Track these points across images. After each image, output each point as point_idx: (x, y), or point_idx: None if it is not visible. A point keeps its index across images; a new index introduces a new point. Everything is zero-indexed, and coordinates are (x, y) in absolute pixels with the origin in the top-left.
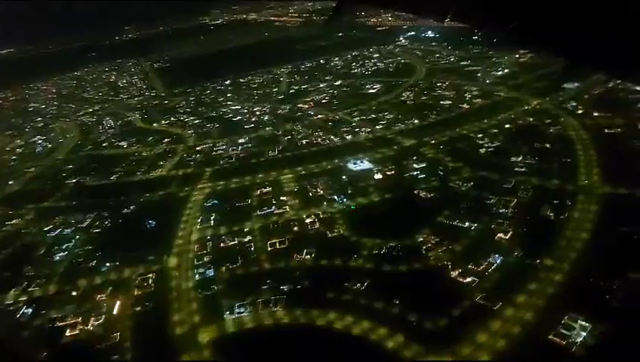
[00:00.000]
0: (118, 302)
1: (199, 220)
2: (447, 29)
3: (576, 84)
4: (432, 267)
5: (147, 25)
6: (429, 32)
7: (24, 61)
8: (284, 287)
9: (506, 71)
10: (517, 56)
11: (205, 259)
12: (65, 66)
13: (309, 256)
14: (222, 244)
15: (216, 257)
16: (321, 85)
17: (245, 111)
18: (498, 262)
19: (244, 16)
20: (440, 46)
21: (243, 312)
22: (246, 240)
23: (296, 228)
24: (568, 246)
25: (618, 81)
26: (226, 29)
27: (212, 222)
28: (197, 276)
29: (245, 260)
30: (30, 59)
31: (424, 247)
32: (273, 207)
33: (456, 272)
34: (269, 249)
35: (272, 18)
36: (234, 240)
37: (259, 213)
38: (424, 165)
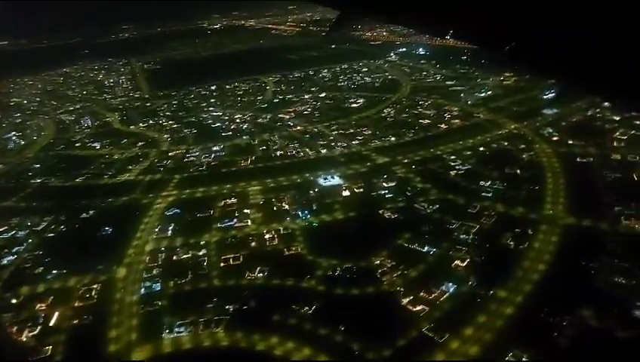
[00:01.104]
0: (56, 313)
1: (157, 229)
2: (438, 47)
3: (555, 110)
4: (384, 292)
5: (145, 25)
6: (420, 49)
7: (16, 54)
8: (230, 307)
9: (489, 93)
10: (501, 78)
11: (155, 271)
12: (55, 62)
13: (261, 274)
14: (175, 257)
15: (167, 270)
16: (306, 96)
17: (226, 118)
18: (451, 290)
19: (243, 22)
20: (429, 64)
21: (182, 332)
22: (200, 253)
23: (253, 244)
24: (524, 278)
25: (597, 110)
26: (222, 34)
27: (170, 232)
28: (143, 290)
29: (195, 275)
30: (23, 53)
31: (379, 271)
32: (235, 219)
33: (408, 299)
34: (222, 265)
35: (270, 26)
36: (188, 253)
37: (219, 225)
38: (393, 184)
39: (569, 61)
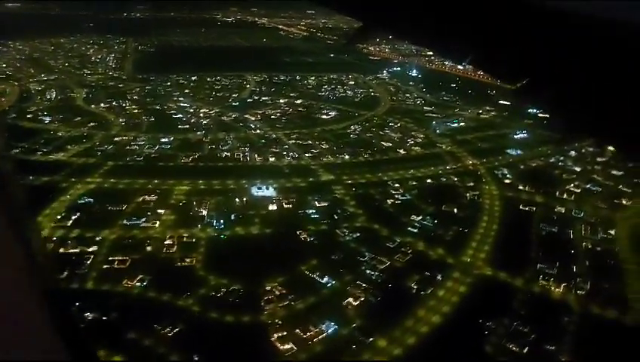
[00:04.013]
0: None
1: (59, 217)
2: (432, 71)
3: (519, 151)
4: (259, 323)
5: (160, 8)
6: (414, 71)
7: (20, 18)
8: (89, 315)
9: (461, 124)
10: (480, 111)
11: None
12: (54, 31)
13: (139, 284)
14: (62, 250)
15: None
16: (281, 100)
17: (191, 110)
18: (330, 331)
19: (256, 19)
20: (416, 86)
21: None
22: (90, 250)
23: (149, 248)
24: (412, 329)
25: (561, 157)
26: (230, 28)
27: (71, 222)
28: None
29: (71, 274)
30: (28, 17)
31: (265, 298)
32: (144, 218)
33: (279, 335)
34: (105, 267)
35: (280, 26)
36: (76, 248)
37: (125, 222)
38: (325, 204)
39: (584, 103)
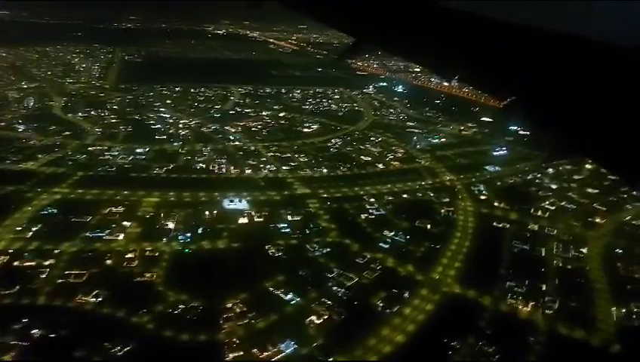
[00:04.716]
0: None
1: (19, 228)
2: (416, 87)
3: (497, 168)
4: (215, 342)
5: (151, 19)
6: (400, 86)
7: (7, 25)
8: (36, 332)
9: (442, 140)
10: (461, 128)
11: None
12: (41, 39)
13: (94, 299)
14: (17, 262)
15: None
16: (264, 113)
17: (171, 121)
18: (288, 351)
19: (247, 32)
20: (400, 102)
21: None
22: (46, 263)
23: (108, 262)
24: (375, 348)
25: (538, 174)
26: (220, 40)
27: (31, 233)
28: None
29: (24, 288)
30: (15, 25)
31: (224, 316)
32: (108, 231)
33: (235, 355)
34: (60, 281)
35: (271, 40)
36: (32, 261)
37: (88, 234)
38: (298, 218)
39: (572, 123)
